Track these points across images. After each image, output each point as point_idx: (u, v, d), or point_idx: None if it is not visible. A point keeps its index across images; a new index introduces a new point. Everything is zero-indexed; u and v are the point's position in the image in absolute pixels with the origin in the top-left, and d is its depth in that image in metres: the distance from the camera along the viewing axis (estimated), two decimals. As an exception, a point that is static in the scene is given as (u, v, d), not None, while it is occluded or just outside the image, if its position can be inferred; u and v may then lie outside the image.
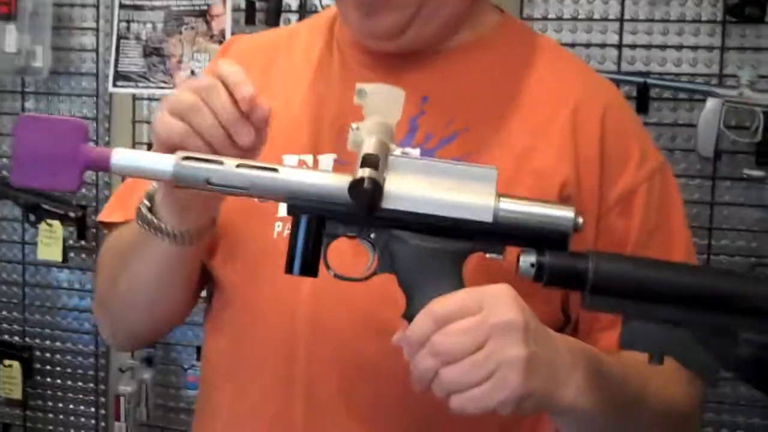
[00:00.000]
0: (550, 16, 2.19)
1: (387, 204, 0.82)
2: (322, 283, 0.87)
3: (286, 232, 0.98)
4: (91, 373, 2.53)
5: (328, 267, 0.84)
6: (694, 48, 2.11)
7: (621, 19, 2.14)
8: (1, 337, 2.55)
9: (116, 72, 2.27)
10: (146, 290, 1.03)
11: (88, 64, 2.43)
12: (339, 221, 0.83)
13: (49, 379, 2.56)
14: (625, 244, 0.98)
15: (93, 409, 2.54)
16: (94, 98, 2.43)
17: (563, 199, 0.96)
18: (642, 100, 2.03)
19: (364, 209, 0.81)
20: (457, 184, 0.83)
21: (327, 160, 1.00)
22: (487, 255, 0.84)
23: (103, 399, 2.53)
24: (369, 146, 0.81)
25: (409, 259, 0.83)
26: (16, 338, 2.56)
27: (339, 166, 0.99)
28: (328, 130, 1.02)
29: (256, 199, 0.89)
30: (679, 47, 2.12)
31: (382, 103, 0.86)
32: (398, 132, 0.98)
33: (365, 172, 0.79)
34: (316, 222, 0.83)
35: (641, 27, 2.14)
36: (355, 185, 0.79)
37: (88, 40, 2.42)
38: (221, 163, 0.82)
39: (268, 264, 0.97)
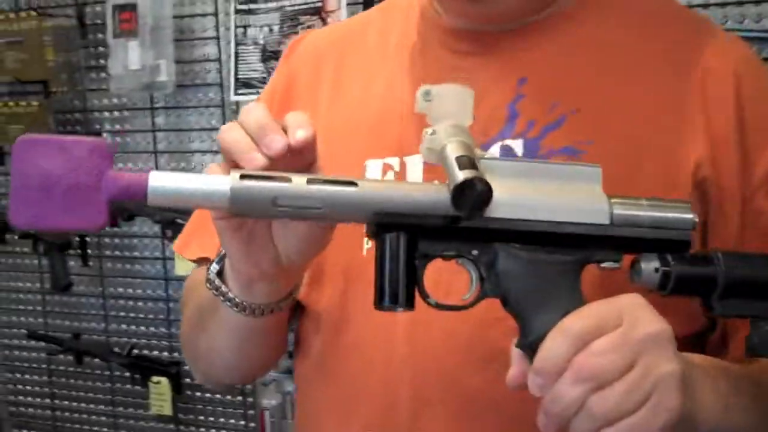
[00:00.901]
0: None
1: (490, 213, 0.69)
2: (417, 306, 0.74)
3: None
4: (238, 386, 2.50)
5: (426, 295, 0.70)
6: None
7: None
8: (150, 354, 2.56)
9: (237, 79, 2.21)
10: (225, 358, 0.93)
11: (213, 74, 2.39)
12: (434, 239, 0.70)
13: (198, 394, 2.55)
14: None
15: (243, 422, 2.51)
16: (221, 108, 2.39)
17: (698, 184, 0.82)
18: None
19: (473, 215, 0.68)
20: (559, 185, 0.71)
21: (416, 162, 0.87)
22: (603, 265, 0.71)
23: (251, 411, 2.49)
24: (455, 149, 0.69)
25: (521, 276, 0.70)
26: (165, 354, 2.56)
27: (430, 167, 0.85)
28: (415, 127, 0.88)
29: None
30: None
31: (451, 105, 0.73)
32: (495, 121, 0.86)
33: (469, 173, 0.66)
34: (407, 242, 0.69)
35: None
36: (462, 188, 0.66)
37: (211, 49, 2.38)
38: (288, 179, 0.68)
39: (360, 287, 0.85)
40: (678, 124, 0.83)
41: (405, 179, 0.86)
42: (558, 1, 0.88)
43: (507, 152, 0.84)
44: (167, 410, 2.47)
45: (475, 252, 0.70)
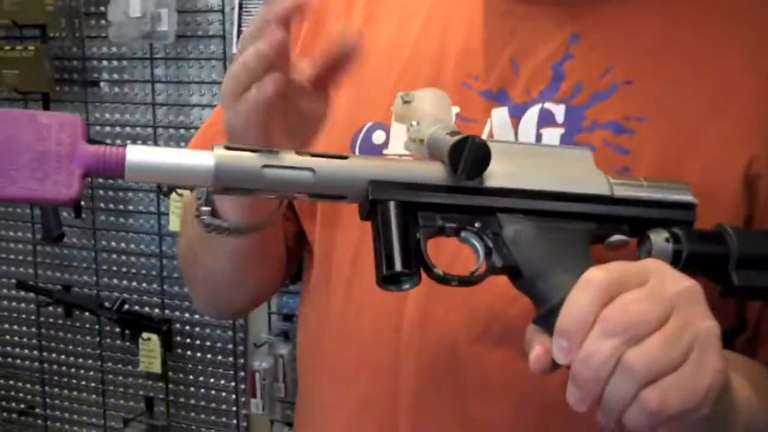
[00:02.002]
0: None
1: (491, 182, 0.67)
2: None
3: None
4: (230, 347, 2.46)
5: (432, 267, 0.65)
6: None
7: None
8: (141, 310, 2.51)
9: (240, 32, 2.14)
10: (223, 282, 0.90)
11: (216, 25, 2.31)
12: (434, 211, 0.66)
13: (189, 353, 2.50)
14: None
15: (233, 384, 2.47)
16: (222, 61, 2.32)
17: (749, 180, 0.74)
18: None
19: (473, 175, 0.65)
20: (556, 162, 0.70)
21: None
22: (611, 239, 0.67)
23: (242, 374, 2.45)
24: (444, 130, 0.67)
25: (531, 241, 0.66)
26: (156, 310, 2.51)
27: (462, 123, 0.80)
28: (450, 75, 0.82)
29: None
30: None
31: (432, 107, 0.71)
32: (537, 81, 0.79)
33: (462, 135, 0.64)
34: (406, 212, 0.65)
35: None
36: (459, 146, 0.64)
37: (214, 0, 2.30)
38: (275, 152, 0.64)
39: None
40: (736, 114, 0.75)
41: None
42: None
43: (546, 117, 0.77)
44: (156, 368, 2.43)
45: (477, 224, 0.67)
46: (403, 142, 0.71)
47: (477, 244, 0.67)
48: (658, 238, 0.67)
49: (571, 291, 0.58)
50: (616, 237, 0.67)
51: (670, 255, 0.66)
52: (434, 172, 0.66)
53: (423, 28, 0.85)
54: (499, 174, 0.67)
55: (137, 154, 0.62)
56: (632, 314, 0.55)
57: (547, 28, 0.79)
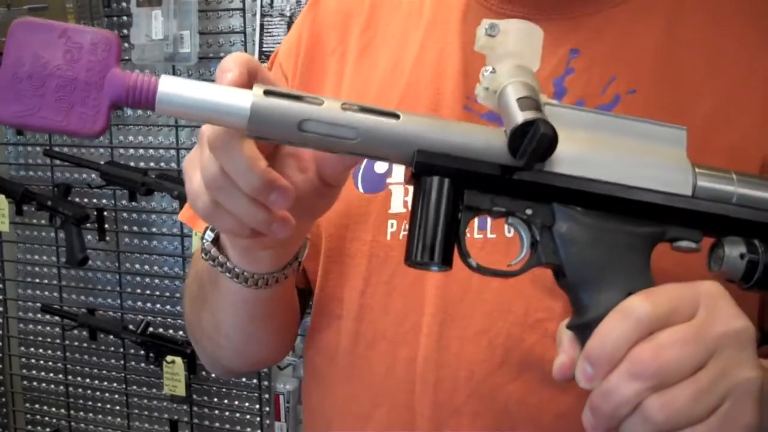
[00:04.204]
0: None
1: (552, 167, 0.59)
2: (449, 293, 0.66)
3: (403, 232, 0.77)
4: (245, 372, 2.43)
5: (467, 255, 0.61)
6: None
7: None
8: (164, 333, 2.50)
9: (261, 52, 2.13)
10: (231, 337, 0.84)
11: (237, 46, 2.31)
12: (483, 190, 0.60)
13: (213, 375, 2.48)
14: None
15: (257, 407, 2.45)
16: (245, 82, 2.31)
17: None
18: None
19: (532, 165, 0.58)
20: (637, 145, 0.61)
21: None
22: (678, 244, 0.61)
23: (266, 396, 2.42)
24: (517, 90, 0.59)
25: (582, 243, 0.60)
26: (180, 333, 2.50)
27: None
28: (450, 97, 0.80)
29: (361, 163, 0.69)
30: None
31: (518, 44, 0.62)
32: None
33: (532, 114, 0.57)
34: (452, 189, 0.59)
35: None
36: (522, 130, 0.57)
37: (236, 21, 2.30)
38: (320, 102, 0.59)
39: (383, 274, 0.77)
40: (747, 114, 0.73)
41: None
42: None
43: None
44: (181, 390, 2.41)
45: (529, 211, 0.61)
46: (476, 87, 0.63)
47: (523, 234, 0.62)
48: (732, 252, 0.61)
49: (609, 315, 0.55)
50: (687, 243, 0.61)
51: (740, 272, 0.61)
52: (490, 145, 0.59)
53: (419, 53, 0.83)
54: (565, 156, 0.60)
55: (170, 86, 0.57)
56: (664, 360, 0.53)
57: (546, 43, 0.77)
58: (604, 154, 0.61)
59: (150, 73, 2.40)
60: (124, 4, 2.38)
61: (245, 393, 2.46)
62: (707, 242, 0.63)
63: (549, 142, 0.57)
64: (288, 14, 2.09)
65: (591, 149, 0.61)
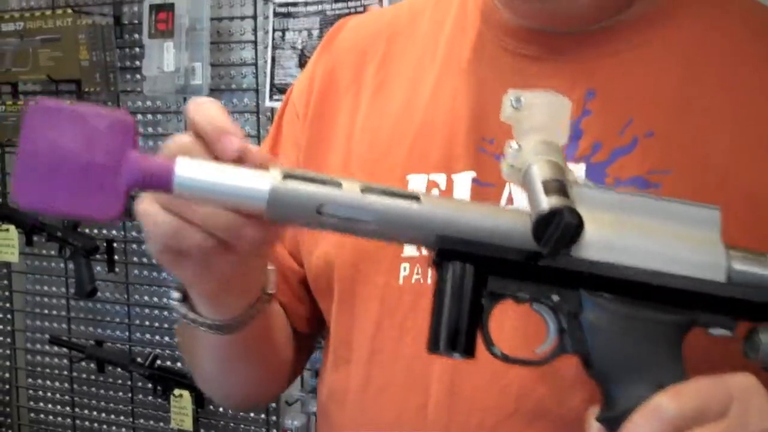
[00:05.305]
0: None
1: (580, 252, 0.57)
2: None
3: (416, 276, 0.75)
4: (245, 406, 2.40)
5: (490, 343, 0.59)
6: None
7: None
8: (172, 366, 2.47)
9: (273, 85, 2.13)
10: (218, 382, 0.85)
11: (249, 78, 2.31)
12: (508, 276, 0.59)
13: (221, 410, 2.45)
14: None
15: (265, 442, 2.42)
16: (256, 114, 2.30)
17: None
18: None
19: (557, 253, 0.57)
20: (669, 227, 0.59)
21: (464, 179, 0.76)
22: (712, 331, 0.59)
23: (275, 431, 2.39)
24: (542, 171, 0.57)
25: (610, 333, 0.58)
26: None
27: (479, 188, 0.75)
28: (464, 139, 0.78)
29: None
30: None
31: (544, 117, 0.61)
32: None
33: (557, 201, 0.55)
34: (475, 276, 0.58)
35: None
36: (547, 219, 0.55)
37: (247, 53, 2.30)
38: (338, 184, 0.58)
39: (395, 318, 0.76)
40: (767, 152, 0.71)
41: None
42: (641, 1, 0.76)
43: None
44: (188, 425, 2.38)
45: (555, 297, 0.59)
46: (501, 162, 0.62)
47: (550, 321, 0.60)
48: None
49: (636, 413, 0.54)
50: (720, 331, 0.59)
51: None
52: (514, 230, 0.58)
53: (433, 92, 0.81)
54: (593, 240, 0.58)
55: (187, 169, 0.56)
56: None
57: (559, 86, 0.75)
58: (633, 238, 0.59)
59: (161, 105, 2.40)
60: (136, 36, 2.38)
61: (253, 428, 2.43)
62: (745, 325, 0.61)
63: (573, 233, 0.56)
64: (299, 47, 2.09)
65: (619, 232, 0.59)
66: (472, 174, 0.76)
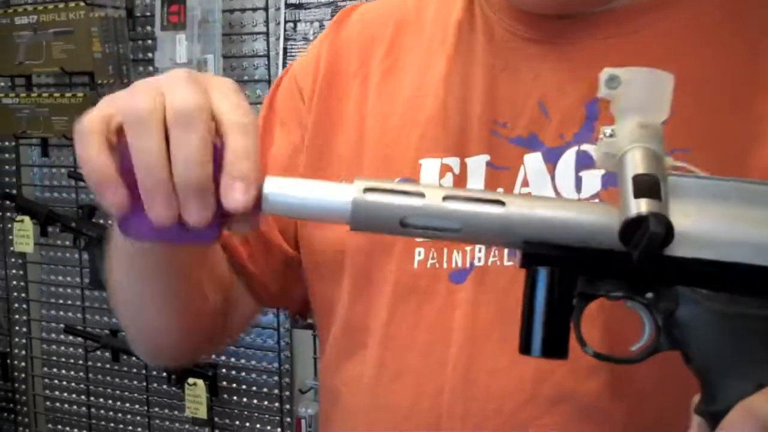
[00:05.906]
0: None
1: (674, 249, 0.55)
2: (477, 325, 0.65)
3: (431, 261, 0.76)
4: (276, 392, 2.43)
5: (584, 343, 0.59)
6: None
7: None
8: (187, 355, 2.50)
9: (284, 76, 2.14)
10: (133, 305, 0.85)
11: (261, 70, 2.32)
12: (599, 275, 0.57)
13: (235, 398, 2.48)
14: None
15: (279, 430, 2.44)
16: (268, 106, 2.31)
17: None
18: None
19: (645, 259, 0.55)
20: (763, 214, 0.56)
21: (478, 163, 0.77)
22: None
23: (288, 419, 2.42)
24: (638, 162, 0.56)
25: (709, 331, 0.56)
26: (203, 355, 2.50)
27: (493, 171, 0.76)
28: (477, 123, 0.78)
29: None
30: None
31: (644, 94, 0.58)
32: (570, 123, 0.74)
33: (644, 206, 0.53)
34: (565, 279, 0.57)
35: None
36: (632, 226, 0.54)
37: (260, 45, 2.31)
38: (421, 194, 0.58)
39: (410, 304, 0.76)
40: None
41: (465, 184, 0.76)
42: None
43: (585, 159, 0.73)
44: (202, 413, 2.41)
45: (650, 295, 0.57)
46: (595, 150, 0.60)
47: (645, 319, 0.58)
48: None
49: (733, 412, 0.52)
50: None
51: None
52: (603, 229, 0.56)
53: (444, 77, 0.81)
54: (689, 235, 0.55)
55: (275, 187, 0.58)
56: None
57: (572, 68, 0.75)
58: (732, 229, 0.56)
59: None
60: (148, 28, 2.40)
61: (267, 416, 2.45)
62: None
63: (659, 241, 0.54)
64: (311, 38, 2.10)
65: (718, 225, 0.56)
66: (486, 157, 0.77)
